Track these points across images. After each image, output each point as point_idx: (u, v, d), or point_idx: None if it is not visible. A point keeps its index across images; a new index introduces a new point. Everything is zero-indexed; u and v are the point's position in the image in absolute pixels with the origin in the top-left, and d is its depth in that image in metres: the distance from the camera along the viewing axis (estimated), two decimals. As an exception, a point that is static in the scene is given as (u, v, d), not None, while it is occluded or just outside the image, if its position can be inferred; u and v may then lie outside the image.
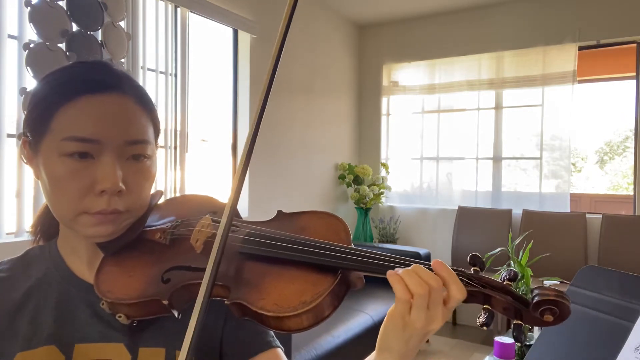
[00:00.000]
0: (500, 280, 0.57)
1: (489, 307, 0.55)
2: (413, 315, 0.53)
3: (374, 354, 0.59)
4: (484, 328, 0.55)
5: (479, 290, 0.55)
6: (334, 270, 0.58)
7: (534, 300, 0.53)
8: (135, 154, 0.64)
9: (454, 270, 0.57)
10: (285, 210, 0.70)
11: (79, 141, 0.60)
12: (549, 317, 0.53)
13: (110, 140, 0.61)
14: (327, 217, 0.67)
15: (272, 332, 0.73)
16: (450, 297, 0.54)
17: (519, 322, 0.55)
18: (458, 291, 0.54)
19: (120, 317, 0.61)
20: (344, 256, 0.58)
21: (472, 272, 0.58)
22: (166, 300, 0.60)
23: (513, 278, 0.56)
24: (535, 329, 1.53)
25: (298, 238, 0.61)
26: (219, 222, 0.55)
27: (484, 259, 0.59)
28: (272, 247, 0.61)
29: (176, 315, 0.62)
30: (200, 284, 0.59)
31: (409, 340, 0.55)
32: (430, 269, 0.56)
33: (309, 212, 0.68)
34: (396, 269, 0.56)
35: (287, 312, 0.54)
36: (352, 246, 0.61)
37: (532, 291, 0.54)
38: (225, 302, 0.57)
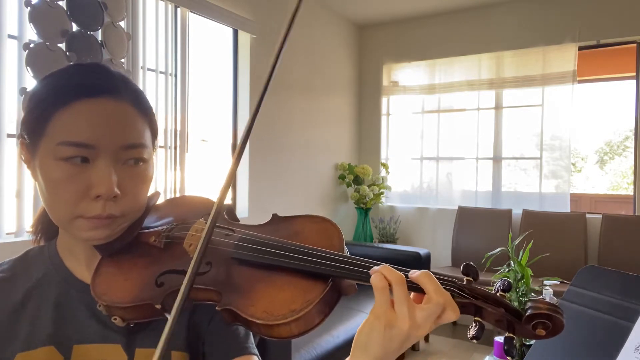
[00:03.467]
0: (494, 291, 0.55)
1: (480, 320, 0.54)
2: (397, 310, 0.52)
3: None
4: (474, 341, 0.53)
5: (471, 301, 0.54)
6: (325, 278, 0.57)
7: (527, 314, 0.52)
8: (131, 158, 0.64)
9: (446, 279, 0.55)
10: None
11: (75, 146, 0.60)
12: (541, 331, 0.52)
13: (106, 144, 0.61)
14: (322, 221, 0.66)
15: (252, 338, 0.73)
16: (441, 318, 0.53)
17: (511, 335, 0.54)
18: (452, 313, 0.53)
19: (115, 319, 0.61)
20: (335, 264, 0.57)
21: (464, 282, 0.56)
22: (159, 304, 0.60)
23: (507, 289, 0.55)
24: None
25: (290, 244, 0.61)
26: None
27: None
28: (264, 253, 0.60)
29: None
30: (193, 288, 0.58)
31: (389, 342, 0.52)
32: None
33: (304, 217, 0.67)
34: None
35: (277, 320, 0.53)
36: (346, 252, 0.60)
37: (525, 304, 0.53)
38: (217, 307, 0.57)
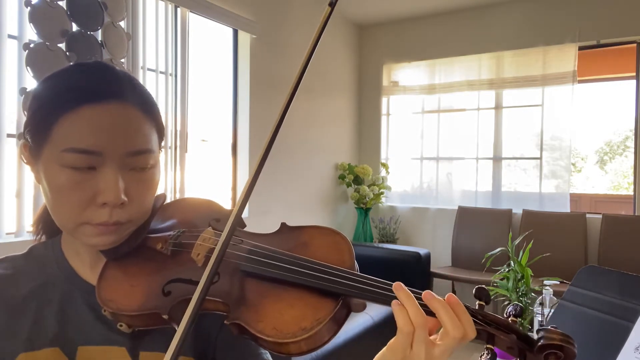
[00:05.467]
0: (506, 315, 0.55)
1: (491, 348, 0.54)
2: (415, 349, 0.51)
3: None
4: None
5: (484, 328, 0.53)
6: (336, 296, 0.56)
7: (539, 343, 0.52)
8: (138, 164, 0.63)
9: None
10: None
11: (80, 153, 0.59)
12: None
13: (112, 151, 0.60)
14: (332, 234, 0.64)
15: None
16: (461, 339, 0.52)
17: None
18: (471, 333, 0.52)
19: (121, 326, 0.60)
20: (347, 282, 0.56)
21: (477, 306, 0.56)
22: (166, 314, 0.59)
23: (519, 314, 0.55)
24: (535, 327, 1.53)
25: (301, 260, 0.60)
26: (220, 235, 0.54)
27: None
28: (273, 267, 0.59)
29: (177, 328, 0.61)
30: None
31: None
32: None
33: (313, 227, 0.66)
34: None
35: (286, 338, 0.53)
36: (356, 266, 0.60)
37: (538, 332, 0.53)
38: (225, 321, 0.57)
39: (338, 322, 0.56)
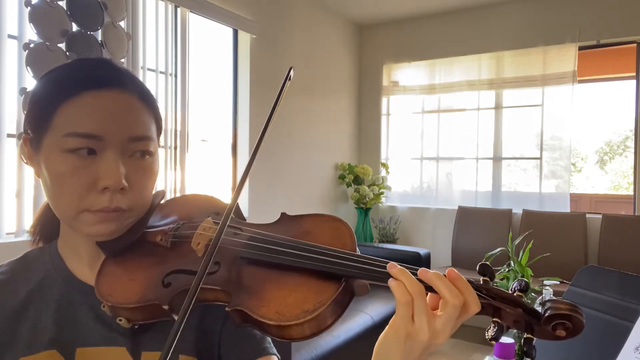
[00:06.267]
0: (511, 290, 0.54)
1: (498, 320, 0.53)
2: (417, 321, 0.51)
3: None
4: (493, 342, 0.52)
5: (489, 302, 0.53)
6: (338, 278, 0.56)
7: (546, 314, 0.50)
8: (138, 150, 0.63)
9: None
10: (286, 211, 0.69)
11: (82, 137, 0.59)
12: (561, 332, 0.50)
13: (113, 136, 0.61)
14: (332, 220, 0.64)
15: (269, 338, 0.72)
16: (462, 316, 0.52)
17: (530, 336, 0.52)
18: (474, 307, 0.51)
19: (120, 320, 0.60)
20: (347, 263, 0.56)
21: (481, 282, 0.55)
22: (166, 305, 0.59)
23: (524, 289, 0.53)
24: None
25: (301, 243, 0.59)
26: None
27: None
28: (274, 252, 0.59)
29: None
30: (202, 289, 0.57)
31: (410, 353, 0.52)
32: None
33: (313, 215, 0.66)
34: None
35: (289, 321, 0.53)
36: (358, 252, 0.59)
37: (544, 304, 0.52)
38: (227, 308, 0.56)
39: (341, 304, 0.56)
